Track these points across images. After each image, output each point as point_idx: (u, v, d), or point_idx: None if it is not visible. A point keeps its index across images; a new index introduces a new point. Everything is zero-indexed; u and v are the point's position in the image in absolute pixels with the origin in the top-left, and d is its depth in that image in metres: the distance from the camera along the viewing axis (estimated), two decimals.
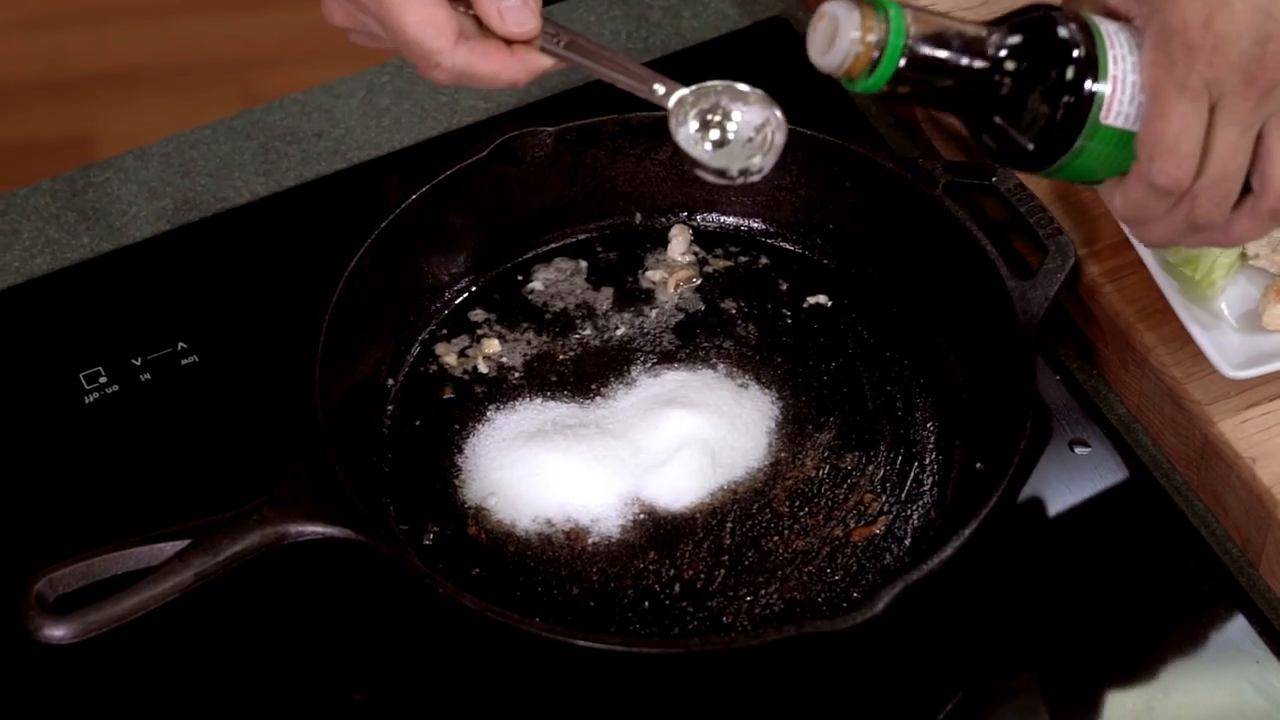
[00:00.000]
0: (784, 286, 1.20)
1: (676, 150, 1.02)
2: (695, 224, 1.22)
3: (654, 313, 1.18)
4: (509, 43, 1.00)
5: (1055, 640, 1.07)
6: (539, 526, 1.09)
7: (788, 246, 1.21)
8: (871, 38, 0.97)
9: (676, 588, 1.07)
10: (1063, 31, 0.99)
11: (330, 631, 1.07)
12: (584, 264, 1.21)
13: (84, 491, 1.13)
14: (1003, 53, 0.99)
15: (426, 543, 1.08)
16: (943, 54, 0.98)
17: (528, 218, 1.20)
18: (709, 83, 1.03)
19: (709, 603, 1.06)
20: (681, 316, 1.18)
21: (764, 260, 1.21)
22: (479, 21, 1.00)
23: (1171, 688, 1.05)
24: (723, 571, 1.07)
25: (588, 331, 1.17)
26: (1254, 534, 1.08)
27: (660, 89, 1.02)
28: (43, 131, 2.49)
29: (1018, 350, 1.09)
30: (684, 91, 1.02)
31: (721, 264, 1.21)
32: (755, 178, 1.02)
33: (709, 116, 1.02)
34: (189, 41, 2.57)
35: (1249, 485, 1.07)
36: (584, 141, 1.19)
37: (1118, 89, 0.98)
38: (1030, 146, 1.00)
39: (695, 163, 1.02)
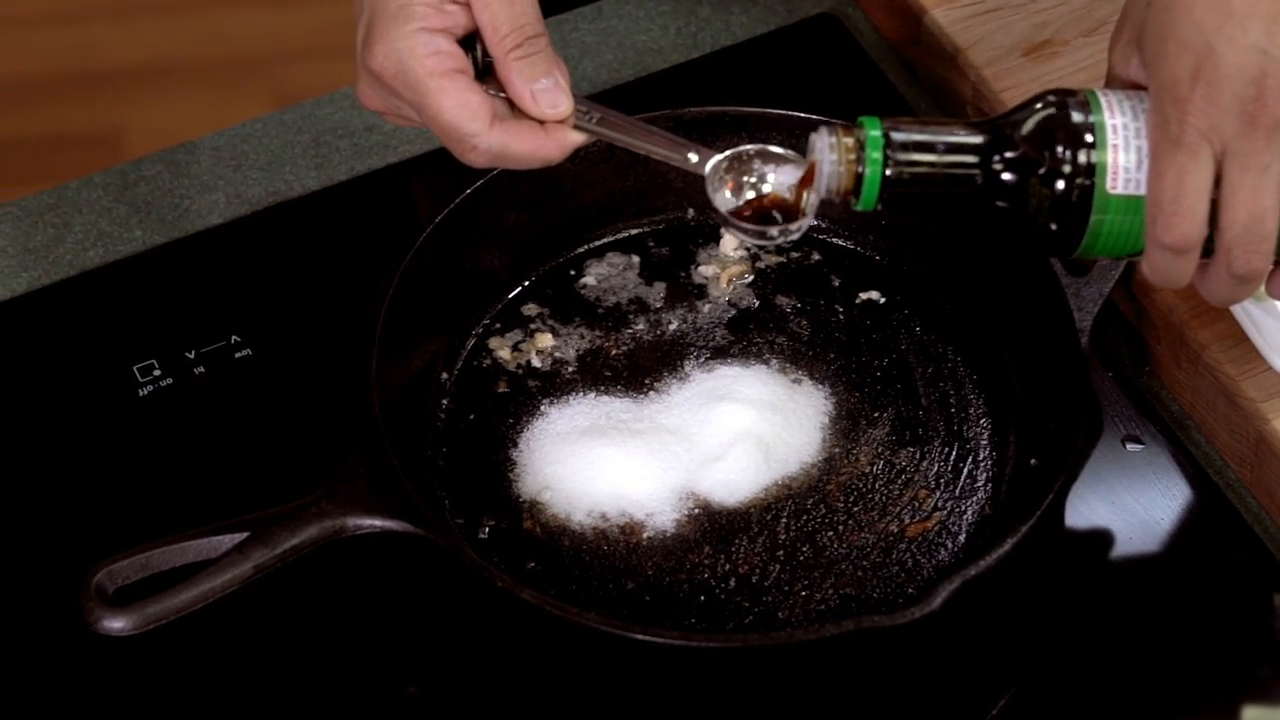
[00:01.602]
0: (836, 282, 1.20)
1: (714, 213, 1.05)
2: None
3: (707, 308, 1.19)
4: (542, 122, 1.03)
5: (1107, 637, 1.07)
6: (594, 521, 1.09)
7: (840, 243, 1.21)
8: (850, 155, 0.98)
9: (732, 582, 1.07)
10: (1049, 110, 0.98)
11: (385, 624, 1.07)
12: (636, 259, 1.21)
13: (140, 484, 1.13)
14: (989, 141, 0.98)
15: (482, 536, 1.09)
16: (929, 159, 0.98)
17: (580, 213, 1.20)
18: (743, 147, 1.05)
19: (764, 598, 1.06)
20: (734, 312, 1.18)
21: (816, 256, 1.21)
22: (511, 103, 1.03)
23: (1225, 684, 1.05)
24: (778, 566, 1.07)
25: (640, 326, 1.18)
26: None
27: (694, 157, 1.05)
28: (73, 126, 2.50)
29: (1071, 347, 1.09)
30: (718, 158, 1.05)
31: (774, 260, 1.21)
32: (794, 237, 1.05)
33: (744, 180, 1.03)
34: (219, 36, 2.58)
35: None
36: None
37: (1119, 156, 0.97)
38: (1053, 230, 0.99)
39: (734, 225, 1.04)
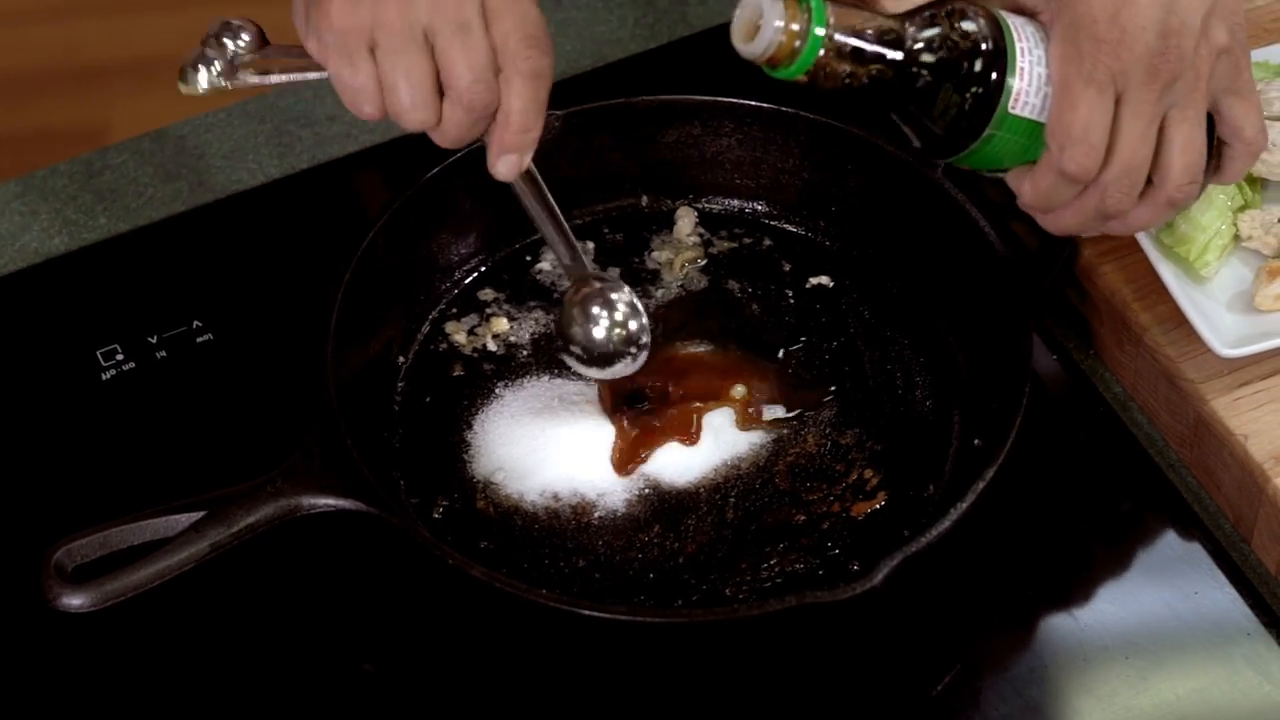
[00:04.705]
0: (787, 267, 1.22)
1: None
2: (700, 206, 1.24)
3: (660, 293, 1.20)
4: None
5: (1050, 613, 1.09)
6: (546, 500, 1.11)
7: (791, 228, 1.23)
8: (795, 27, 1.01)
9: (680, 560, 1.09)
10: (973, 25, 1.02)
11: (340, 603, 1.09)
12: (591, 245, 1.23)
13: (101, 465, 1.15)
14: (917, 45, 1.02)
15: (436, 516, 1.10)
16: (861, 44, 1.01)
17: None
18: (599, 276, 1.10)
19: (711, 575, 1.08)
20: (686, 296, 1.20)
21: (767, 242, 1.23)
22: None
23: (1164, 660, 1.07)
24: (725, 545, 1.09)
25: None
26: (1246, 509, 1.10)
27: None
28: (58, 120, 2.51)
29: (1014, 330, 1.11)
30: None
31: (726, 245, 1.23)
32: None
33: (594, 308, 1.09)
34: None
35: (1241, 461, 1.09)
36: (591, 125, 1.21)
37: (1025, 80, 1.02)
38: (939, 133, 1.03)
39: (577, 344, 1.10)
